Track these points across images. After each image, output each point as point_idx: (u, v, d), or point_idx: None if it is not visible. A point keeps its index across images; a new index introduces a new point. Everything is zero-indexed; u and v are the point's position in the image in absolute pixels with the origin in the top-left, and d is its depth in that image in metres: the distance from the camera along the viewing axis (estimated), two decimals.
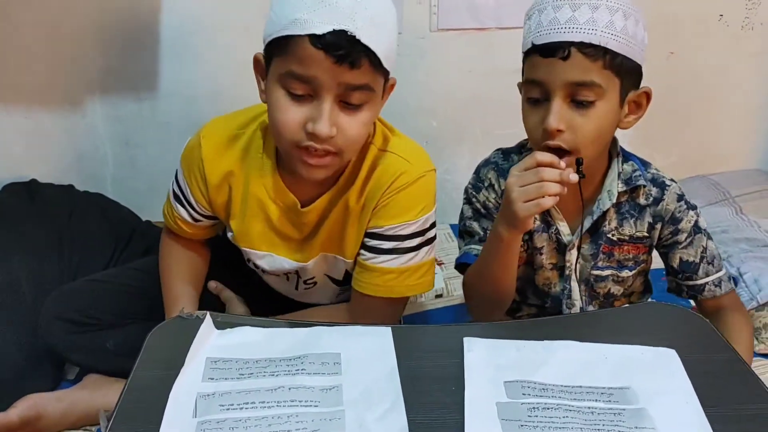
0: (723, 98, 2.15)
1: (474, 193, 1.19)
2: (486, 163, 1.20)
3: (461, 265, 1.19)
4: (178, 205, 1.22)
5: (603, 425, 0.77)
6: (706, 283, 1.15)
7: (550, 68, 0.99)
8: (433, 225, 1.17)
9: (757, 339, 1.53)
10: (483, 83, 2.02)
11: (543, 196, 0.95)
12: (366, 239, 1.15)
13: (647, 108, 1.07)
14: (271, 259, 1.21)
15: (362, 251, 1.16)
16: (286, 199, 1.14)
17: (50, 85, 1.88)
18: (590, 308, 1.18)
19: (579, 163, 1.00)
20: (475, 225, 1.18)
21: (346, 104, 0.98)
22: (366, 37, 0.93)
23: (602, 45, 0.97)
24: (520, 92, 1.09)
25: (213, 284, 1.34)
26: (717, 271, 1.16)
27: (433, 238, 1.18)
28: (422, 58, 1.97)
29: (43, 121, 1.92)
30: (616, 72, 0.99)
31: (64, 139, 1.95)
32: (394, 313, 1.21)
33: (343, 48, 0.92)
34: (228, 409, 0.77)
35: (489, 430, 0.76)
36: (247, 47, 1.83)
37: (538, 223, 1.15)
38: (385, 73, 1.01)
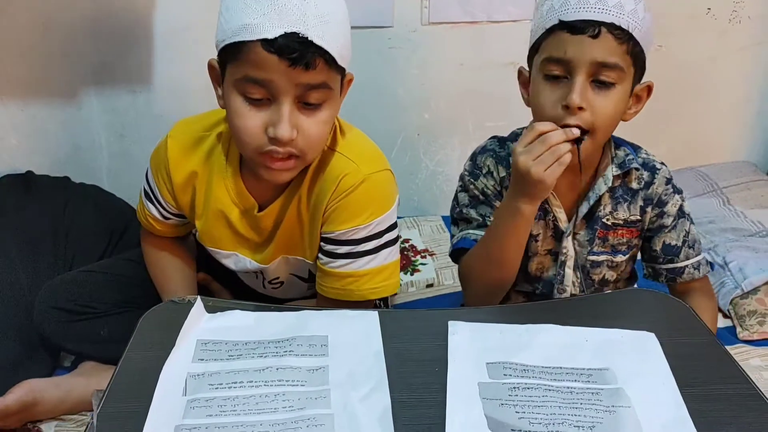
0: (711, 91, 2.18)
1: (471, 180, 1.19)
2: (483, 150, 1.21)
3: (457, 251, 1.19)
4: (149, 203, 1.24)
5: (581, 404, 0.80)
6: (686, 266, 1.18)
7: (578, 45, 1.00)
8: (391, 227, 1.13)
9: (741, 326, 1.56)
10: (474, 76, 2.05)
11: (558, 159, 0.99)
12: (322, 243, 1.14)
13: (645, 103, 1.10)
14: (236, 258, 1.22)
15: (320, 255, 1.15)
16: (246, 202, 1.14)
17: (45, 78, 1.89)
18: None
19: (579, 141, 1.02)
20: (473, 212, 1.18)
21: (305, 105, 0.97)
22: (318, 37, 0.92)
23: (629, 30, 0.99)
24: (519, 78, 1.13)
25: (201, 276, 1.37)
26: (696, 255, 1.19)
27: (395, 240, 1.15)
28: (414, 52, 1.99)
29: (39, 113, 1.93)
30: (633, 60, 1.02)
31: (59, 131, 1.96)
32: None
33: (296, 50, 0.91)
34: (217, 388, 0.80)
35: (470, 408, 0.79)
36: None
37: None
38: (341, 70, 1.00)
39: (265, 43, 0.90)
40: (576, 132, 1.01)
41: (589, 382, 0.83)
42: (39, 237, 1.60)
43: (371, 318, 0.94)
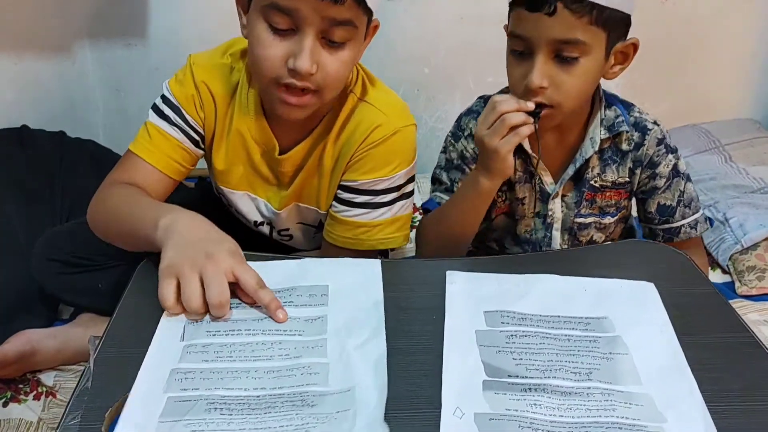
0: (716, 46, 2.14)
1: (452, 141, 1.18)
2: (468, 112, 1.19)
3: (425, 210, 1.20)
4: (169, 126, 1.10)
5: (578, 351, 0.79)
6: (682, 225, 1.16)
7: (535, 24, 0.96)
8: (410, 180, 1.14)
9: (740, 281, 1.56)
10: (474, 30, 2.01)
11: (510, 128, 0.98)
12: (339, 191, 1.14)
13: (633, 58, 1.06)
14: (248, 200, 1.21)
15: (334, 203, 1.15)
16: (268, 142, 1.12)
17: (39, 30, 1.87)
18: None
19: (535, 115, 1.00)
20: (444, 175, 1.18)
21: (328, 41, 0.95)
22: None
23: (589, 0, 0.95)
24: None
25: None
26: (693, 213, 1.16)
27: (410, 193, 1.16)
28: (413, 4, 1.95)
29: (33, 66, 1.91)
30: (602, 26, 0.97)
31: (54, 85, 1.94)
32: None
33: None
34: (214, 335, 0.79)
35: (467, 354, 0.78)
36: None
37: (520, 174, 1.15)
38: (369, 12, 0.98)
39: None
40: (530, 105, 0.98)
41: (586, 330, 0.83)
42: (35, 190, 1.60)
43: (373, 266, 0.93)
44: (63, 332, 1.35)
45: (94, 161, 1.77)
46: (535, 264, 0.95)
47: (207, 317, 0.82)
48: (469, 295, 0.88)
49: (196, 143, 1.12)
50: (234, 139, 1.13)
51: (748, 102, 2.25)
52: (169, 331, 0.80)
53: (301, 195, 1.18)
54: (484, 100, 1.20)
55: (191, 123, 1.10)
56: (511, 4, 1.01)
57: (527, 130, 0.98)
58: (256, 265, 0.87)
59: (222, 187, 1.21)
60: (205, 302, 0.81)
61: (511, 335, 0.81)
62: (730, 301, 1.37)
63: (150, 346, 0.77)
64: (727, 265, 1.59)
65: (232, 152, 1.15)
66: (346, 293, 0.88)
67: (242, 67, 1.11)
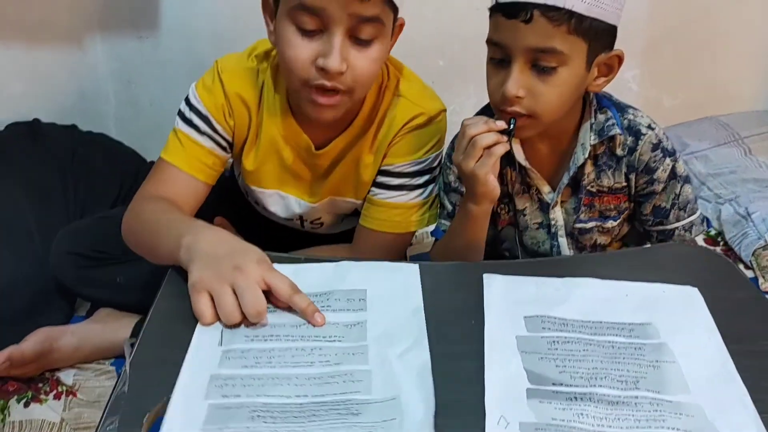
0: (734, 37, 2.11)
1: (448, 163, 1.15)
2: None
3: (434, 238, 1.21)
4: (198, 135, 1.11)
5: (624, 358, 0.78)
6: (676, 228, 1.13)
7: (512, 31, 0.93)
8: (440, 161, 1.17)
9: (763, 277, 1.54)
10: (488, 21, 1.98)
11: (483, 149, 0.96)
12: (378, 175, 1.16)
13: (619, 70, 1.02)
14: (278, 198, 1.21)
15: (371, 187, 1.17)
16: (299, 140, 1.13)
17: (50, 22, 1.84)
18: None
19: (511, 123, 0.98)
20: (446, 199, 1.17)
21: (356, 40, 0.96)
22: None
23: (567, 8, 0.90)
24: None
25: (219, 220, 1.33)
26: (689, 216, 1.12)
27: (439, 174, 1.18)
28: None
29: (44, 59, 1.88)
30: (583, 36, 0.94)
31: (65, 77, 1.91)
32: (400, 248, 1.22)
33: None
34: (252, 340, 0.78)
35: (509, 361, 0.77)
36: None
37: (517, 186, 1.13)
38: (395, 9, 0.99)
39: None
40: (499, 124, 0.96)
41: (631, 336, 0.81)
42: (48, 185, 1.59)
43: (412, 271, 0.91)
44: (81, 329, 1.34)
45: (107, 155, 1.75)
46: (573, 266, 0.94)
47: (244, 322, 0.80)
48: (508, 299, 0.86)
49: (224, 149, 1.13)
50: (264, 140, 1.13)
51: (765, 93, 2.23)
52: (206, 335, 0.78)
53: (338, 189, 1.19)
54: (476, 115, 1.17)
55: (220, 131, 1.11)
56: (490, 11, 0.98)
57: (501, 149, 0.96)
58: (290, 270, 0.85)
59: (252, 187, 1.21)
60: (242, 313, 0.79)
61: (553, 341, 0.80)
62: None
63: (188, 352, 0.75)
64: (750, 261, 1.58)
65: (263, 153, 1.15)
66: (385, 299, 0.86)
67: (266, 69, 1.11)
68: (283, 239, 1.31)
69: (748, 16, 2.08)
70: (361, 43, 0.96)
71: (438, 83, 2.05)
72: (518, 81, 0.95)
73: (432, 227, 1.19)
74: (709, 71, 2.16)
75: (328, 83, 0.97)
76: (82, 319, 1.40)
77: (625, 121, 1.07)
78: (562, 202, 1.13)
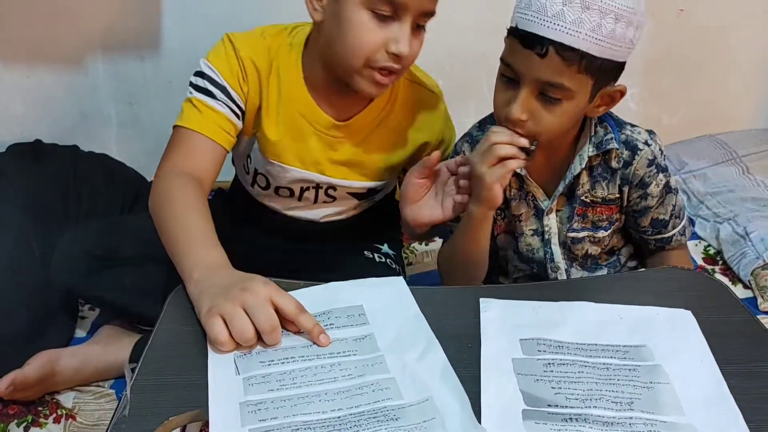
0: (732, 57, 2.14)
1: (456, 158, 1.18)
2: (463, 136, 1.22)
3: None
4: (211, 99, 1.12)
5: (618, 380, 0.78)
6: (674, 234, 1.19)
7: (525, 60, 0.96)
8: None
9: (762, 297, 1.55)
10: (488, 40, 1.96)
11: (502, 158, 1.00)
12: None
13: (619, 102, 1.05)
14: (297, 173, 1.24)
15: None
16: (318, 117, 1.18)
17: (51, 42, 1.86)
18: (573, 270, 1.20)
19: (533, 144, 1.02)
20: None
21: (415, 27, 1.05)
22: None
23: (582, 49, 0.93)
24: None
25: None
26: (681, 221, 1.19)
27: None
28: None
29: (45, 80, 1.90)
30: (591, 73, 0.97)
31: (66, 98, 1.93)
32: None
33: None
34: (269, 365, 0.78)
35: (505, 383, 0.77)
36: (249, 4, 1.82)
37: (514, 191, 1.16)
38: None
39: None
40: (522, 141, 1.00)
41: (625, 358, 0.81)
42: (50, 206, 1.59)
43: (399, 283, 0.93)
44: (82, 351, 1.35)
45: (108, 176, 1.76)
46: (568, 291, 0.94)
47: (255, 349, 0.81)
48: (505, 323, 0.86)
49: (238, 116, 1.16)
50: (284, 116, 1.18)
51: (763, 112, 2.25)
52: (221, 366, 0.78)
53: (359, 170, 1.25)
54: (479, 123, 1.21)
55: (234, 98, 1.14)
56: (508, 32, 1.01)
57: (514, 164, 1.01)
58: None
59: (271, 160, 1.22)
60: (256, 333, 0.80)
61: (549, 363, 0.80)
62: None
63: (209, 384, 0.75)
64: (749, 281, 1.58)
65: (284, 126, 1.19)
66: (383, 310, 0.87)
67: (282, 46, 1.16)
68: (290, 251, 1.35)
69: (745, 37, 2.10)
70: (418, 29, 1.07)
71: None
72: (524, 106, 0.99)
73: None
74: (707, 90, 2.18)
75: (396, 65, 1.05)
76: (83, 341, 1.41)
77: (623, 136, 1.11)
78: (556, 210, 1.15)
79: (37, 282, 1.42)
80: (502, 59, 1.02)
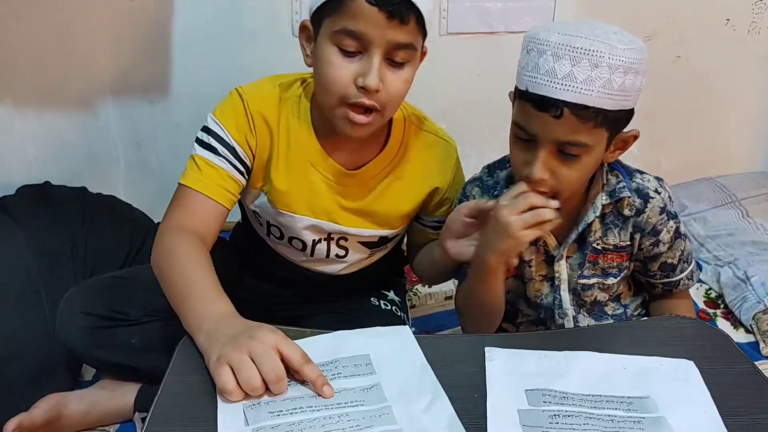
0: (729, 101, 2.17)
1: (464, 200, 1.21)
2: (472, 180, 1.23)
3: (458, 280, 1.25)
4: (215, 157, 1.13)
5: None
6: (681, 278, 1.20)
7: (541, 122, 0.98)
8: None
9: (764, 342, 1.56)
10: (491, 86, 2.02)
11: (540, 223, 1.00)
12: (435, 221, 1.29)
13: (632, 145, 1.08)
14: (309, 222, 1.24)
15: (433, 228, 1.30)
16: (327, 165, 1.19)
17: (63, 87, 1.89)
18: (580, 317, 1.21)
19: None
20: None
21: (391, 62, 1.05)
22: None
23: (596, 106, 0.95)
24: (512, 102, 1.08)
25: None
26: (689, 265, 1.21)
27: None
28: (432, 62, 1.93)
29: (56, 123, 1.93)
30: (606, 126, 0.99)
31: (76, 140, 1.96)
32: None
33: (395, 3, 0.99)
34: (278, 415, 0.79)
35: None
36: (255, 52, 1.86)
37: None
38: (424, 36, 1.08)
39: None
40: (554, 204, 1.02)
41: (629, 410, 0.83)
42: (58, 251, 1.60)
43: (405, 333, 0.95)
44: (89, 395, 1.35)
45: (116, 218, 1.78)
46: (572, 340, 0.95)
47: (264, 399, 0.82)
48: (510, 373, 0.87)
49: (242, 173, 1.17)
50: (293, 163, 1.19)
51: (761, 155, 2.28)
52: (230, 416, 0.79)
53: (371, 219, 1.26)
54: (488, 168, 1.23)
55: (240, 154, 1.15)
56: (518, 93, 1.01)
57: (549, 214, 1.01)
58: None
59: (281, 211, 1.23)
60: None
61: (555, 415, 0.81)
62: (755, 363, 1.38)
63: None
64: (751, 325, 1.59)
65: (294, 176, 1.20)
66: (389, 360, 0.89)
67: (292, 97, 1.18)
68: (294, 296, 1.36)
69: (741, 81, 2.14)
70: (395, 65, 1.05)
71: None
72: (544, 165, 1.00)
73: None
74: (705, 134, 2.21)
75: (366, 101, 1.05)
76: (89, 384, 1.41)
77: (634, 184, 1.12)
78: (567, 256, 1.16)
79: (43, 325, 1.43)
80: (514, 122, 1.03)
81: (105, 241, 1.68)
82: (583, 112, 0.95)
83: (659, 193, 1.12)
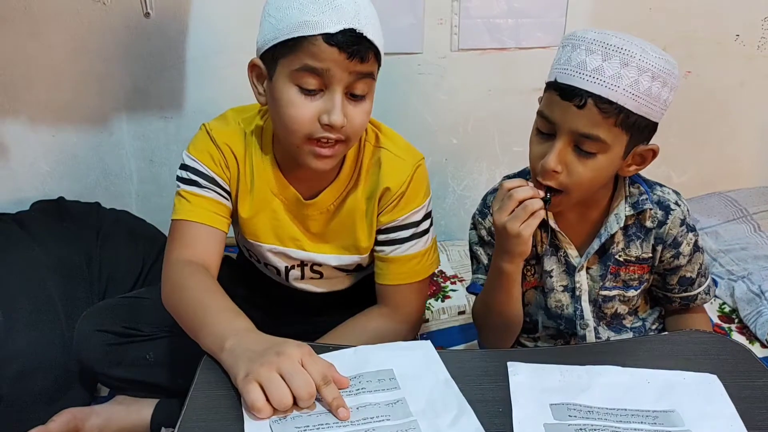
0: (739, 116, 2.18)
1: (480, 219, 1.23)
2: (493, 191, 1.24)
3: (472, 293, 1.25)
4: (201, 190, 1.16)
5: None
6: (699, 293, 1.21)
7: (563, 111, 1.00)
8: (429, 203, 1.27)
9: None
10: (502, 101, 2.05)
11: (532, 214, 1.01)
12: (383, 236, 1.22)
13: (650, 163, 1.08)
14: (277, 251, 1.25)
15: (382, 248, 1.23)
16: (287, 193, 1.20)
17: (77, 103, 1.91)
18: (600, 329, 1.21)
19: (546, 201, 1.04)
20: (481, 251, 1.23)
21: (351, 96, 1.06)
22: (370, 33, 1.02)
23: (620, 103, 0.97)
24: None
25: None
26: (706, 280, 1.22)
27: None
28: (443, 78, 2.00)
29: (70, 139, 1.95)
30: (626, 129, 1.00)
31: (90, 156, 1.97)
32: (425, 290, 1.29)
33: (354, 44, 1.00)
34: (305, 430, 0.79)
35: None
36: None
37: (546, 247, 1.18)
38: (380, 65, 1.09)
39: (327, 36, 1.00)
40: (541, 193, 1.03)
41: (655, 424, 0.83)
42: (73, 266, 1.61)
43: (427, 347, 0.96)
44: (105, 410, 1.35)
45: (129, 233, 1.78)
46: (593, 354, 0.96)
47: (291, 414, 0.82)
48: (533, 387, 0.88)
49: (226, 198, 1.19)
50: (257, 193, 1.19)
51: None
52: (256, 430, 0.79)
53: (335, 241, 1.25)
54: (508, 179, 1.21)
55: (220, 182, 1.17)
56: (547, 85, 1.04)
57: (543, 214, 1.03)
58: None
59: (250, 241, 1.24)
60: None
61: (581, 429, 0.81)
62: None
63: None
64: (766, 340, 1.59)
65: (258, 205, 1.20)
66: (413, 375, 0.89)
67: (255, 130, 1.19)
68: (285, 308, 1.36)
69: (751, 97, 2.15)
70: (356, 98, 1.06)
71: (451, 161, 2.13)
72: (559, 157, 1.01)
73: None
74: (715, 149, 2.22)
75: (332, 136, 1.06)
76: (105, 400, 1.41)
77: (655, 196, 1.14)
78: (587, 268, 1.17)
79: (60, 340, 1.43)
80: (539, 113, 1.05)
81: (119, 257, 1.69)
82: (606, 106, 0.97)
83: (679, 206, 1.14)
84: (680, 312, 1.25)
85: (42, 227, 1.70)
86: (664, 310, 1.27)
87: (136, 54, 1.87)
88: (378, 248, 1.24)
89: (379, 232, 1.22)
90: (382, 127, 1.25)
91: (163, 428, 1.01)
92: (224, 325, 0.95)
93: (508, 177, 1.23)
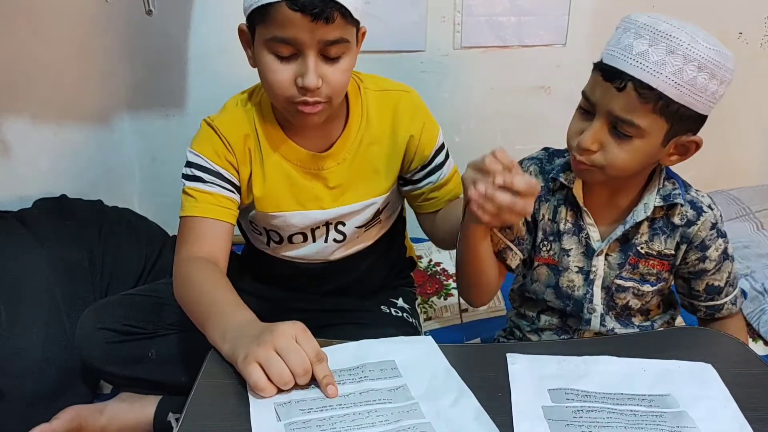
0: (742, 114, 2.17)
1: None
2: (531, 157, 1.21)
3: None
4: (206, 185, 1.16)
5: (645, 425, 0.80)
6: (725, 302, 1.17)
7: (604, 92, 0.99)
8: None
9: None
10: (505, 99, 2.05)
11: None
12: (422, 170, 1.28)
13: (693, 154, 1.07)
14: (301, 216, 1.25)
15: (429, 179, 1.29)
16: (298, 154, 1.21)
17: (79, 101, 1.92)
18: (607, 318, 1.20)
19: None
20: None
21: (326, 58, 1.07)
22: None
23: (660, 90, 0.95)
24: None
25: None
26: (734, 290, 1.18)
27: None
28: (445, 76, 2.00)
29: (72, 137, 1.95)
30: (666, 117, 0.98)
31: (92, 154, 1.98)
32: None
33: (317, 6, 1.01)
34: (309, 412, 0.80)
35: (537, 428, 0.79)
36: None
37: (569, 225, 1.16)
38: (356, 23, 1.10)
39: (290, 2, 1.01)
40: (537, 186, 0.95)
41: (651, 406, 0.83)
42: (76, 264, 1.61)
43: (428, 342, 0.97)
44: (109, 407, 1.35)
45: (132, 231, 1.79)
46: (590, 347, 0.96)
47: (294, 397, 0.83)
48: (532, 375, 0.89)
49: (233, 191, 1.19)
50: (269, 167, 1.21)
51: None
52: (263, 413, 0.80)
53: (358, 191, 1.26)
54: (549, 152, 1.21)
55: (225, 175, 1.18)
56: (594, 65, 1.04)
57: (506, 199, 0.95)
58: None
59: (270, 213, 1.24)
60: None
61: (578, 410, 0.82)
62: None
63: (252, 430, 0.78)
64: None
65: (271, 177, 1.21)
66: (414, 365, 0.90)
67: (251, 107, 1.21)
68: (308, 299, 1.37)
69: (755, 96, 2.15)
70: (331, 59, 1.08)
71: (454, 158, 2.10)
72: (594, 136, 1.01)
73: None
74: (719, 147, 2.19)
75: (310, 99, 1.08)
76: (108, 397, 1.41)
77: (689, 196, 1.12)
78: (607, 254, 1.15)
79: (63, 338, 1.44)
80: (582, 92, 1.05)
81: (122, 255, 1.69)
82: (645, 91, 0.96)
83: (712, 209, 1.12)
84: (707, 322, 1.21)
85: (44, 225, 1.70)
86: (698, 321, 1.23)
87: (139, 52, 1.88)
88: (425, 182, 1.29)
89: (420, 169, 1.28)
90: (363, 75, 1.28)
91: (170, 413, 1.01)
92: (227, 318, 0.96)
93: (547, 150, 1.21)
